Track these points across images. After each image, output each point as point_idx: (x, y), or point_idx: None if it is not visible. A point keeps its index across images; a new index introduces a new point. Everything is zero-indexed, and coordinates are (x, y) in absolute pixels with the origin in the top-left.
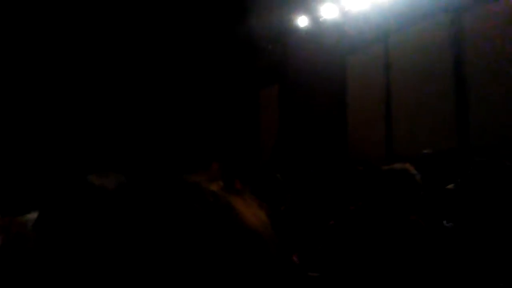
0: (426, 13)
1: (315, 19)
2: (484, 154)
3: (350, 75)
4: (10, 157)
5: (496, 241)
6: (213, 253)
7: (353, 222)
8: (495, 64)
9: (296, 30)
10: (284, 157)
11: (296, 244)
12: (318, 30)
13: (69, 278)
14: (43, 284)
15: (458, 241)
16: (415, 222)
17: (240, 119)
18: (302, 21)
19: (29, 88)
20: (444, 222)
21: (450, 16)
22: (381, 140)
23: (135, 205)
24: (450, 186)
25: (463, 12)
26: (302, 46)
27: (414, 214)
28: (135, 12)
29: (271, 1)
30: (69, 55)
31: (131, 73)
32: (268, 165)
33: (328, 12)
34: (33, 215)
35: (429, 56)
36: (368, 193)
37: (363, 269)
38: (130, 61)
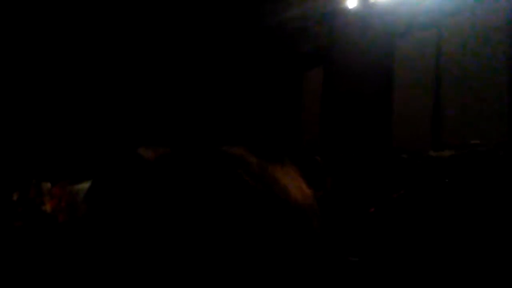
0: None
1: (364, 0)
2: None
3: (398, 59)
4: (66, 127)
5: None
6: (256, 226)
7: (395, 210)
8: None
9: (344, 11)
10: (326, 141)
11: (335, 229)
12: (367, 11)
13: (119, 248)
14: (92, 252)
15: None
16: (463, 211)
17: (282, 101)
18: (350, 2)
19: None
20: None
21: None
22: (427, 127)
23: (178, 176)
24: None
25: None
26: (349, 28)
27: (460, 204)
28: None
29: None
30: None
31: (180, 51)
32: (309, 148)
33: None
34: (85, 185)
35: (484, 43)
36: (413, 181)
37: (404, 257)
38: (180, 38)
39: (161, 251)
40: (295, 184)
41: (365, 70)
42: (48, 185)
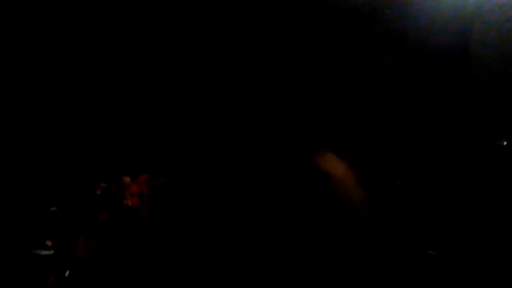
0: None
1: None
2: None
3: (477, 42)
4: (142, 125)
5: None
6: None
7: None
8: None
9: None
10: (398, 129)
11: (411, 222)
12: None
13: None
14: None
15: None
16: None
17: (351, 86)
18: None
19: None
20: None
21: None
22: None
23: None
24: None
25: None
26: (422, 10)
27: None
28: None
29: None
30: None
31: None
32: (380, 138)
33: None
34: (165, 181)
35: None
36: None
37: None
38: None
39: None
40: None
41: (440, 54)
42: (128, 179)
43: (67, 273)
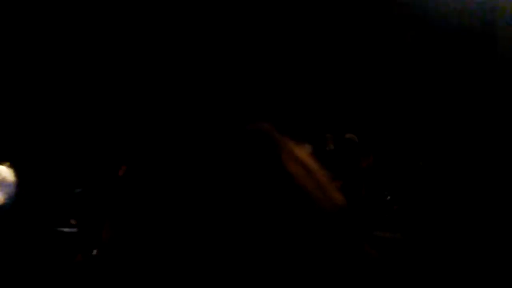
0: None
1: None
2: None
3: (502, 20)
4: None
5: None
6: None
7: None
8: None
9: None
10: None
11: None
12: None
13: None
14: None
15: None
16: None
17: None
18: None
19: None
20: None
21: None
22: None
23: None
24: None
25: None
26: None
27: None
28: None
29: None
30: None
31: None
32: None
33: None
34: None
35: None
36: None
37: None
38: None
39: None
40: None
41: (464, 33)
42: None
43: (94, 252)
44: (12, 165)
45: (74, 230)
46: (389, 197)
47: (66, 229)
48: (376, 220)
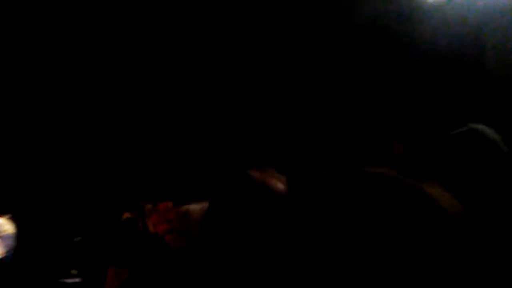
0: None
1: None
2: None
3: (489, 47)
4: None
5: None
6: (418, 244)
7: None
8: None
9: (422, 4)
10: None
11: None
12: (448, 3)
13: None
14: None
15: None
16: None
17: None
18: None
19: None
20: None
21: None
22: None
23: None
24: None
25: None
26: (429, 21)
27: None
28: None
29: None
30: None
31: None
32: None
33: None
34: (194, 207)
35: None
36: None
37: None
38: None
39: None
40: (446, 200)
41: (452, 64)
42: (149, 206)
43: None
44: (13, 218)
45: (77, 280)
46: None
47: (68, 280)
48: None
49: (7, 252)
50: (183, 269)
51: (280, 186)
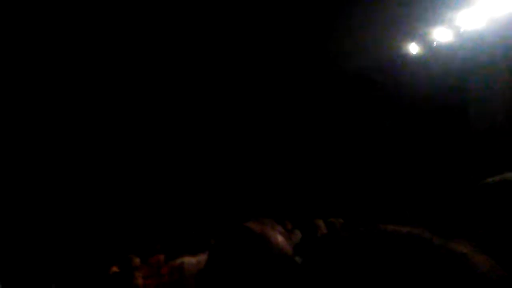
0: None
1: (427, 44)
2: None
3: (472, 98)
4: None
5: None
6: None
7: None
8: None
9: (407, 57)
10: None
11: None
12: (432, 55)
13: None
14: None
15: None
16: None
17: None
18: (412, 48)
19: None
20: None
21: None
22: None
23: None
24: None
25: None
26: (415, 74)
27: None
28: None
29: (379, 32)
30: None
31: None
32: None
33: (441, 36)
34: (189, 259)
35: None
36: None
37: None
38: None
39: None
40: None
41: (438, 113)
42: (138, 260)
43: None
44: None
45: None
46: None
47: None
48: None
49: None
50: None
51: (280, 239)
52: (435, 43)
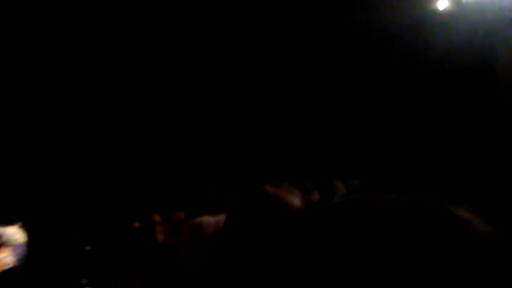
0: None
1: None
2: None
3: (501, 55)
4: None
5: None
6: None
7: None
8: None
9: (435, 14)
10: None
11: None
12: (460, 10)
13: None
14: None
15: None
16: None
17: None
18: (441, 3)
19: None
20: None
21: None
22: None
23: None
24: None
25: None
26: (442, 31)
27: None
28: None
29: None
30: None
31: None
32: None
33: None
34: (208, 219)
35: None
36: None
37: None
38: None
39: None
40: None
41: (465, 74)
42: (158, 217)
43: None
44: (24, 226)
45: None
46: None
47: None
48: None
49: (18, 261)
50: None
51: (295, 201)
52: None
